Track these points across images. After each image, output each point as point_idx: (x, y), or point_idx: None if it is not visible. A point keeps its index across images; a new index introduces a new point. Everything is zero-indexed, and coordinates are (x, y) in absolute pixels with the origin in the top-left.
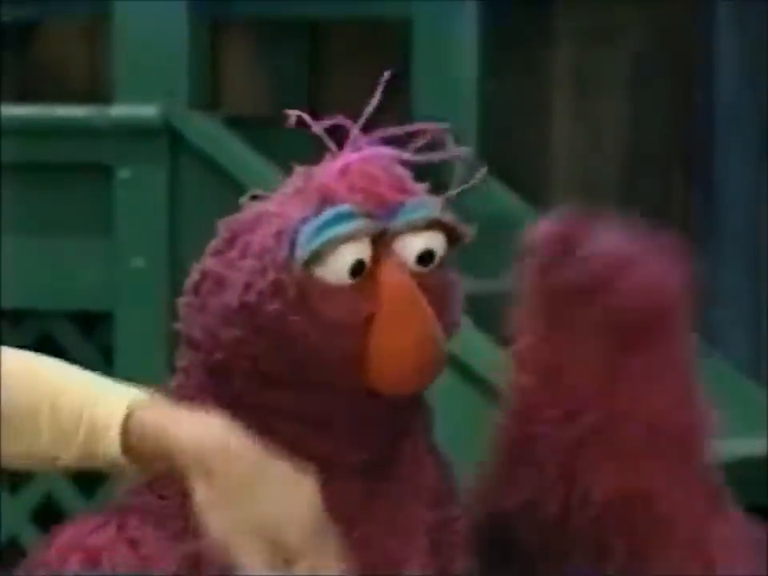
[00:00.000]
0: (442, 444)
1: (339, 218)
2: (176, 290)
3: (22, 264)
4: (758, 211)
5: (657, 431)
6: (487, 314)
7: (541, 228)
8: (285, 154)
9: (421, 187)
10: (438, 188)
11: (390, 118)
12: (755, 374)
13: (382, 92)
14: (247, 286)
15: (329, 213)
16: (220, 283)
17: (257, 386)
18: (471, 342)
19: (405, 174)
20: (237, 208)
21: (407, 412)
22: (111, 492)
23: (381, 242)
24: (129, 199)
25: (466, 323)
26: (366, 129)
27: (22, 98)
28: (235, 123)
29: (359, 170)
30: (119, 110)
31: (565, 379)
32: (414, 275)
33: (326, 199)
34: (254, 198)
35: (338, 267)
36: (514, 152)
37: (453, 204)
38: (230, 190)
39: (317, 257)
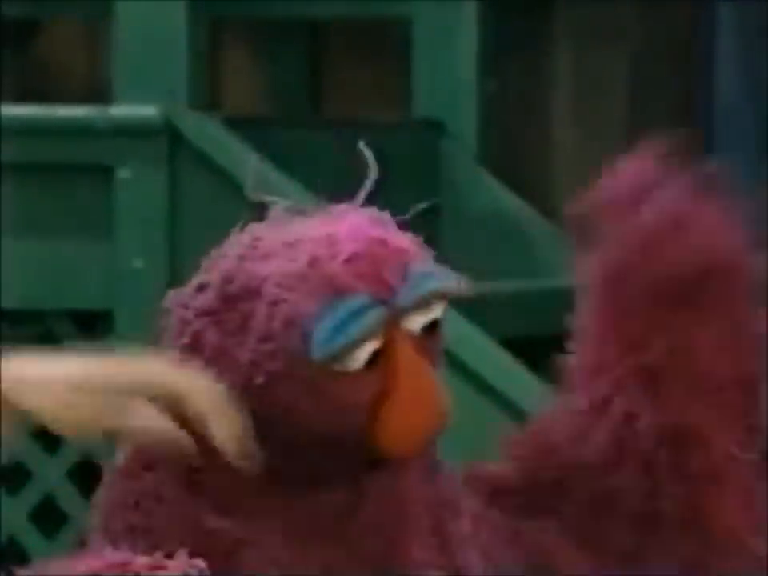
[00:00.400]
0: (448, 453)
1: (355, 314)
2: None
3: (22, 264)
4: (759, 210)
5: (713, 380)
6: (491, 315)
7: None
8: (285, 155)
9: (419, 246)
10: (429, 192)
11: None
12: None
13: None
14: (254, 365)
15: (343, 309)
16: (220, 355)
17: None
18: (485, 353)
19: (402, 236)
20: (237, 210)
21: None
22: None
23: (390, 322)
24: (129, 199)
25: (475, 332)
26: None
27: (22, 97)
28: (235, 123)
29: (365, 253)
30: (119, 110)
31: (626, 329)
32: (425, 343)
33: (336, 291)
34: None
35: (355, 360)
36: (514, 152)
37: (452, 204)
38: (230, 190)
39: (337, 356)
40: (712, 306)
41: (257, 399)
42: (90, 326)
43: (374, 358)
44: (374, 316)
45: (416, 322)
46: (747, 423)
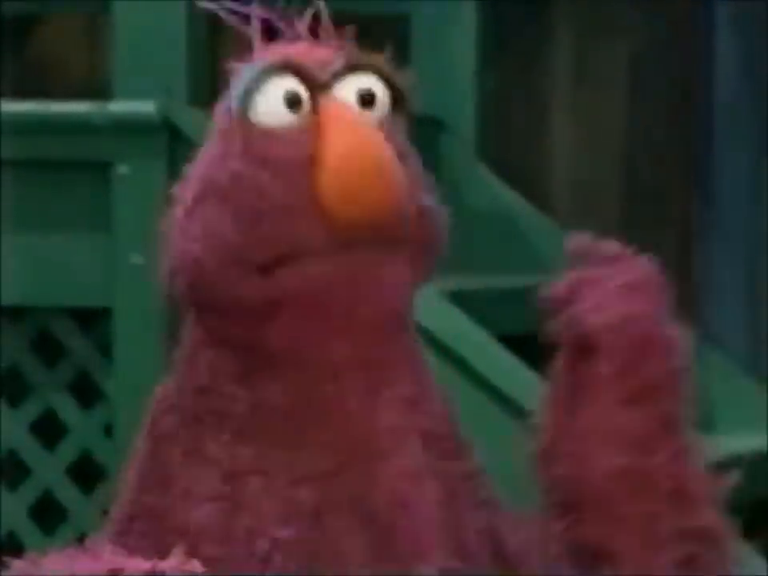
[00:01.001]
0: None
1: (268, 65)
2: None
3: (21, 260)
4: (757, 209)
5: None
6: (490, 311)
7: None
8: None
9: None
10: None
11: None
12: (754, 370)
13: None
14: (199, 179)
15: (251, 67)
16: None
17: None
18: (483, 349)
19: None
20: None
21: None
22: (111, 488)
23: (317, 88)
24: (127, 195)
25: (474, 329)
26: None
27: (20, 93)
28: None
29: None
30: (118, 106)
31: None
32: (365, 116)
33: (261, 57)
34: None
35: (271, 103)
36: (512, 148)
37: (450, 200)
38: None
39: (248, 99)
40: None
41: (222, 200)
42: (88, 323)
43: (302, 116)
44: (278, 59)
45: (347, 89)
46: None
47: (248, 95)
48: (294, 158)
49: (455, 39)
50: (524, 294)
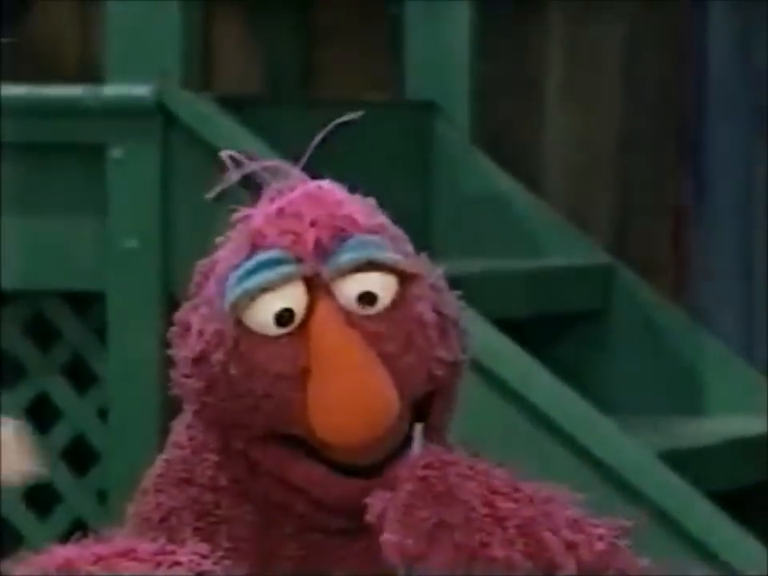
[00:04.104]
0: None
1: (263, 265)
2: (169, 270)
3: (14, 244)
4: (750, 189)
5: None
6: (483, 295)
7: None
8: (278, 133)
9: (379, 222)
10: (424, 169)
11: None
12: (748, 354)
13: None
14: (200, 335)
15: (254, 261)
16: (185, 331)
17: (224, 440)
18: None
19: (361, 209)
20: (230, 189)
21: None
22: (105, 472)
23: (317, 287)
24: (121, 179)
25: (468, 313)
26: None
27: (14, 77)
28: (228, 102)
29: (295, 212)
30: (112, 90)
31: None
32: (363, 318)
33: (256, 245)
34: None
35: (262, 317)
36: (506, 132)
37: (445, 185)
38: (223, 169)
39: (242, 306)
40: None
41: (205, 373)
42: (82, 307)
43: (297, 325)
44: (282, 270)
45: (346, 293)
46: None
47: (243, 306)
48: (284, 375)
49: (450, 24)
50: (516, 278)
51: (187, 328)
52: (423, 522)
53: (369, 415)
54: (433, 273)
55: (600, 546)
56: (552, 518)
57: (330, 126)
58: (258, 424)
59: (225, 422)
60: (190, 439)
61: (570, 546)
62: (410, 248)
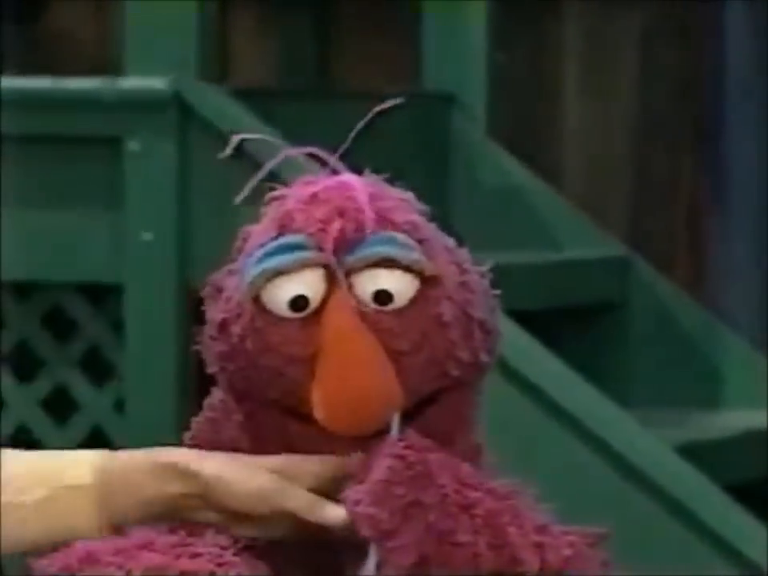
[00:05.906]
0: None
1: (284, 249)
2: (185, 262)
3: (32, 236)
4: (767, 185)
5: None
6: (500, 287)
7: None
8: (295, 125)
9: (409, 219)
10: (439, 164)
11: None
12: (764, 345)
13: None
14: (227, 301)
15: (276, 242)
16: (217, 292)
17: (242, 406)
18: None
19: (394, 205)
20: (246, 181)
21: None
22: None
23: (335, 277)
24: (138, 171)
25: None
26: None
27: (32, 70)
28: (245, 95)
29: (326, 199)
30: (129, 83)
31: None
32: (377, 313)
33: (284, 226)
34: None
35: (278, 299)
36: (524, 126)
37: (462, 177)
38: (240, 161)
39: (259, 286)
40: None
41: (227, 339)
42: (99, 299)
43: (312, 311)
44: (299, 256)
45: (362, 288)
46: None
47: (259, 286)
48: (295, 356)
49: (467, 14)
50: (533, 270)
51: (220, 290)
52: (399, 499)
53: (364, 409)
54: (469, 271)
55: (568, 551)
56: (519, 516)
57: (370, 115)
58: (271, 397)
59: (239, 389)
60: (222, 401)
61: (537, 546)
62: (442, 247)
